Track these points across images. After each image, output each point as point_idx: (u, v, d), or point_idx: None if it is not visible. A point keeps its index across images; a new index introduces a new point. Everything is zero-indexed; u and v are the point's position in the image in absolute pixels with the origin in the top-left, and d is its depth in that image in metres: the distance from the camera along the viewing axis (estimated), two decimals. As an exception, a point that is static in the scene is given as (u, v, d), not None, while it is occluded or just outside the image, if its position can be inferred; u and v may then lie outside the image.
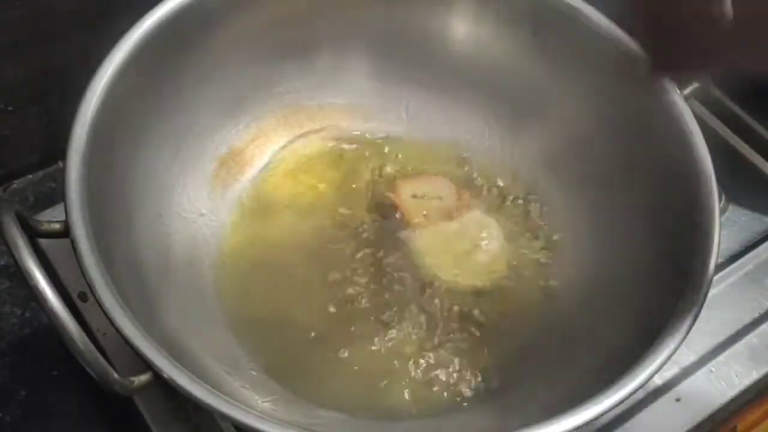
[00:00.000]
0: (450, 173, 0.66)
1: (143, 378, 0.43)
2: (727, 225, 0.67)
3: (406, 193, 0.64)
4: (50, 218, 0.47)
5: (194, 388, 0.41)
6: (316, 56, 0.65)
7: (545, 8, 0.61)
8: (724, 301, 0.63)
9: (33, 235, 0.45)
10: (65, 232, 0.45)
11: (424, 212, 0.63)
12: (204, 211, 0.61)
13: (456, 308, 0.59)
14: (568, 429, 0.43)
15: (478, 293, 0.60)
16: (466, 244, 0.62)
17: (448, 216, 0.63)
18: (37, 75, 0.65)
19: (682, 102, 0.56)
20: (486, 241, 0.62)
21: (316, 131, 0.67)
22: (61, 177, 0.47)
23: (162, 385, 0.43)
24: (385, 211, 0.63)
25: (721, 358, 0.61)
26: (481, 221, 0.63)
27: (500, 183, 0.66)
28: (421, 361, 0.56)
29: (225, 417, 0.41)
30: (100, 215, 0.47)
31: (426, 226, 0.62)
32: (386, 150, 0.67)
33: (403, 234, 0.62)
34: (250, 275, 0.60)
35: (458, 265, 0.61)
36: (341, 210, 0.63)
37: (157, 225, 0.57)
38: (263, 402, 0.52)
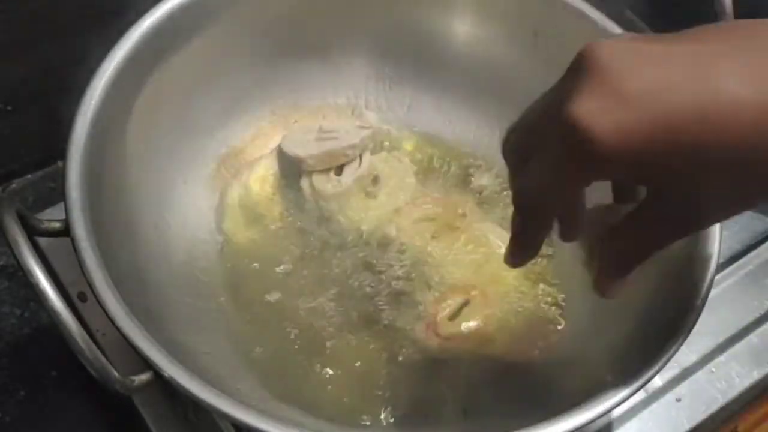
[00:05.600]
0: (451, 176, 0.66)
1: (143, 377, 0.43)
2: (727, 225, 0.66)
3: (407, 222, 0.63)
4: (50, 218, 0.47)
5: (194, 387, 0.41)
6: (316, 56, 0.65)
7: (545, 8, 0.62)
8: (724, 301, 0.63)
9: (33, 233, 0.45)
10: (65, 231, 0.45)
11: (430, 234, 0.62)
12: (203, 210, 0.61)
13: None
14: (568, 429, 0.43)
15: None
16: (476, 255, 0.61)
17: (454, 229, 0.63)
18: (37, 75, 0.65)
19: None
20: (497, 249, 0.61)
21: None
22: (60, 177, 0.47)
23: (162, 385, 0.43)
24: (387, 247, 0.62)
25: (722, 358, 0.61)
26: (484, 230, 0.63)
27: (501, 183, 0.65)
28: (418, 366, 0.56)
29: (225, 416, 0.41)
30: (99, 214, 0.47)
31: (435, 246, 0.62)
32: (387, 150, 0.67)
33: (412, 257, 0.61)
34: (248, 275, 0.59)
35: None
36: (342, 213, 0.63)
37: (156, 224, 0.57)
38: (262, 402, 0.52)
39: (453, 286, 0.59)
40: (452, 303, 0.58)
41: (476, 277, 0.60)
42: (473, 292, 0.59)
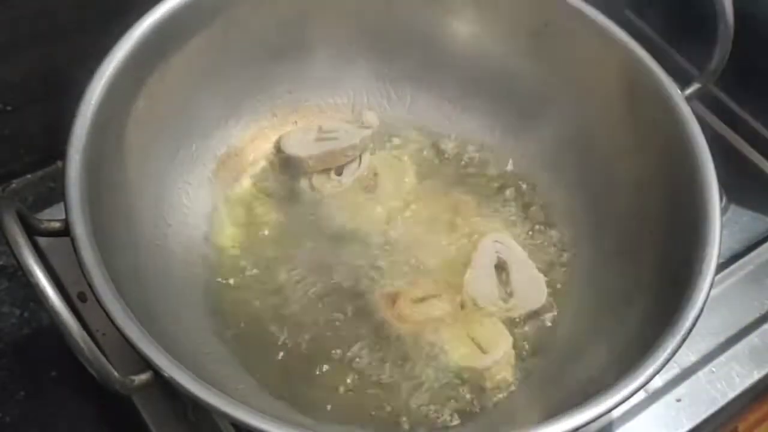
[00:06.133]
0: (451, 175, 0.66)
1: (143, 377, 0.42)
2: (728, 225, 0.67)
3: (407, 222, 0.62)
4: (49, 218, 0.47)
5: (194, 386, 0.41)
6: (316, 56, 0.65)
7: (545, 8, 0.62)
8: (725, 301, 0.63)
9: (33, 233, 0.45)
10: (65, 231, 0.45)
11: (431, 234, 0.62)
12: (203, 210, 0.61)
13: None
14: (568, 429, 0.42)
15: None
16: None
17: (455, 228, 0.62)
18: (37, 75, 0.65)
19: (683, 102, 0.56)
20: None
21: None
22: (60, 177, 0.47)
23: (161, 385, 0.42)
24: (387, 246, 0.61)
25: (722, 358, 0.60)
26: (485, 230, 0.62)
27: (502, 182, 0.66)
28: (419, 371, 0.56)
29: (225, 416, 0.41)
30: (99, 214, 0.47)
31: (435, 246, 0.61)
32: (387, 150, 0.67)
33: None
34: (247, 275, 0.59)
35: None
36: (341, 213, 0.63)
37: (155, 224, 0.57)
38: (262, 402, 0.52)
39: (440, 279, 0.59)
40: (424, 290, 0.58)
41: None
42: (457, 297, 0.58)
